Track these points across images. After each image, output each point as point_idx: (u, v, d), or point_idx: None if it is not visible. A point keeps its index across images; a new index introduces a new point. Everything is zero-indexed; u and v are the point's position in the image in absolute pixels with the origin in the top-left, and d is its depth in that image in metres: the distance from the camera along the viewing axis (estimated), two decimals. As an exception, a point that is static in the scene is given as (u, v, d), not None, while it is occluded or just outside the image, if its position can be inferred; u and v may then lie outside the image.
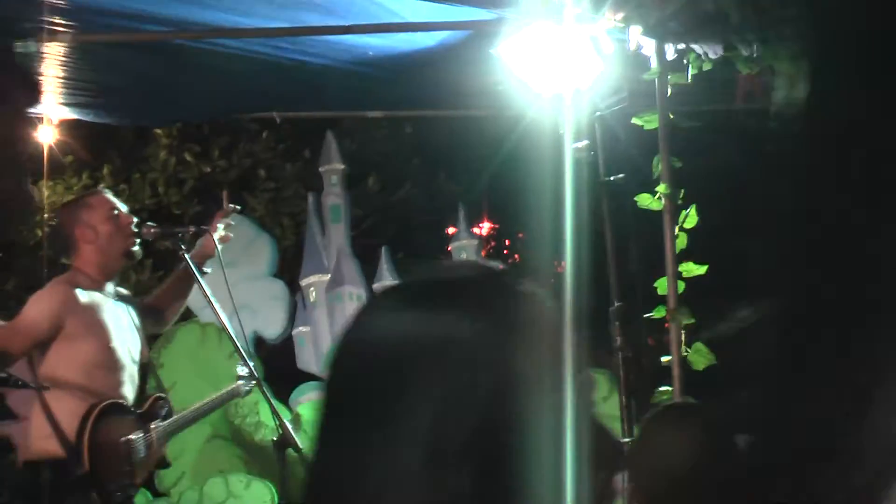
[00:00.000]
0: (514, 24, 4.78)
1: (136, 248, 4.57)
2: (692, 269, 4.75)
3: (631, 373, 5.29)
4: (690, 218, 4.75)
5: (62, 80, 5.37)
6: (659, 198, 4.81)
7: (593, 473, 1.08)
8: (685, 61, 4.76)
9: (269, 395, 4.53)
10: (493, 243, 11.62)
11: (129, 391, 4.49)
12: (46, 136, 6.11)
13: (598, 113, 6.05)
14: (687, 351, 4.68)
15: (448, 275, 1.11)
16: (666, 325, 4.78)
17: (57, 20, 4.67)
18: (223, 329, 4.65)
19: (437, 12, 5.15)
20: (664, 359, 4.72)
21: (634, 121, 4.99)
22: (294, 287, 8.11)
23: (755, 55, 4.55)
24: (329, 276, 7.92)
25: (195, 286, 4.61)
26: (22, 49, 4.31)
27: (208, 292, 4.57)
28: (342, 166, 8.16)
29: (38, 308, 4.36)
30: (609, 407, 6.44)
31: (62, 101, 5.69)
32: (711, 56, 4.64)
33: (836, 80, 0.98)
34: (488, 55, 4.98)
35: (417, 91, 6.60)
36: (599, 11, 4.62)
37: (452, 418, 0.99)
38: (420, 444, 0.99)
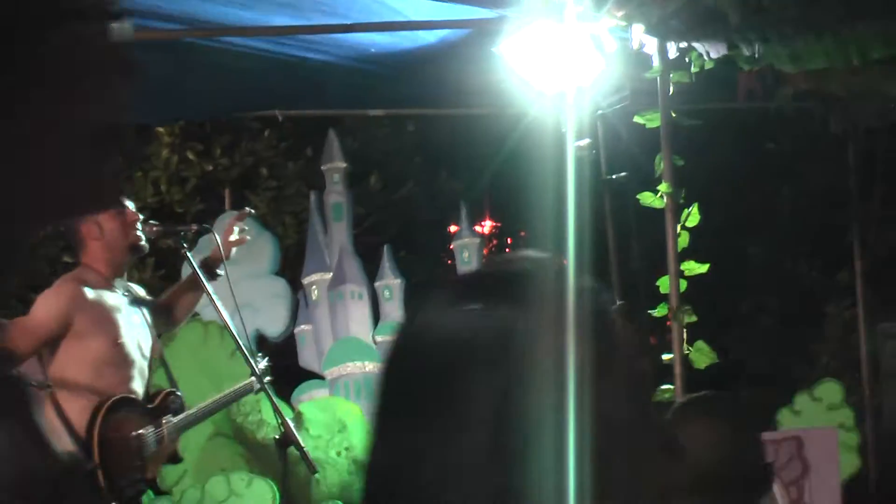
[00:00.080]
0: (516, 23, 4.78)
1: (143, 242, 4.57)
2: (694, 267, 4.75)
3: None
4: (692, 216, 4.75)
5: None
6: (661, 196, 4.81)
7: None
8: (687, 60, 4.76)
9: (271, 393, 4.54)
10: (494, 242, 11.62)
11: (139, 386, 4.50)
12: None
13: (599, 111, 6.06)
14: (689, 349, 4.68)
15: (506, 268, 1.12)
16: (668, 323, 4.78)
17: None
18: (225, 327, 4.66)
19: (439, 10, 5.15)
20: (666, 357, 4.72)
21: (636, 119, 4.99)
22: (296, 285, 8.10)
23: (757, 55, 4.55)
24: (331, 274, 7.92)
25: (208, 288, 4.62)
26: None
27: (210, 290, 4.58)
28: (344, 164, 8.15)
29: (47, 307, 4.37)
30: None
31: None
32: (713, 55, 4.64)
33: None
34: (490, 53, 4.99)
35: (419, 89, 6.60)
36: (601, 10, 4.62)
37: (512, 412, 0.99)
38: (479, 438, 0.99)
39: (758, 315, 9.36)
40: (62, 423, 4.29)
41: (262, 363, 4.64)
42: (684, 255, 4.77)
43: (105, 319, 4.42)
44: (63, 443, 4.28)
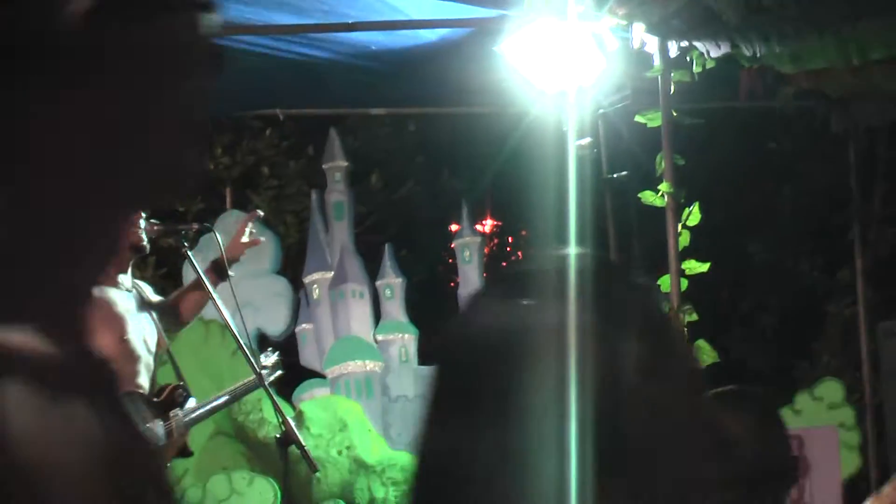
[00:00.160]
0: (518, 22, 4.78)
1: (144, 241, 4.57)
2: (695, 266, 4.76)
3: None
4: (693, 215, 4.75)
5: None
6: (662, 195, 4.81)
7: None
8: (688, 59, 4.76)
9: (272, 392, 4.54)
10: (496, 241, 11.62)
11: (145, 381, 4.52)
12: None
13: (601, 110, 6.05)
14: (689, 348, 4.68)
15: (558, 264, 1.13)
16: (668, 322, 4.78)
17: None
18: (226, 326, 4.66)
19: (440, 9, 5.15)
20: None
21: (637, 118, 4.99)
22: (297, 284, 8.10)
23: (758, 54, 4.55)
24: (332, 273, 7.92)
25: (209, 287, 4.62)
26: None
27: (211, 289, 4.58)
28: (345, 163, 8.14)
29: None
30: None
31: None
32: (714, 54, 4.64)
33: None
34: (491, 52, 4.99)
35: (421, 88, 6.61)
36: (602, 9, 4.62)
37: (564, 408, 1.00)
38: (531, 434, 1.00)
39: (758, 314, 9.36)
40: None
41: (273, 357, 4.65)
42: (685, 254, 4.78)
43: (109, 316, 4.43)
44: None
